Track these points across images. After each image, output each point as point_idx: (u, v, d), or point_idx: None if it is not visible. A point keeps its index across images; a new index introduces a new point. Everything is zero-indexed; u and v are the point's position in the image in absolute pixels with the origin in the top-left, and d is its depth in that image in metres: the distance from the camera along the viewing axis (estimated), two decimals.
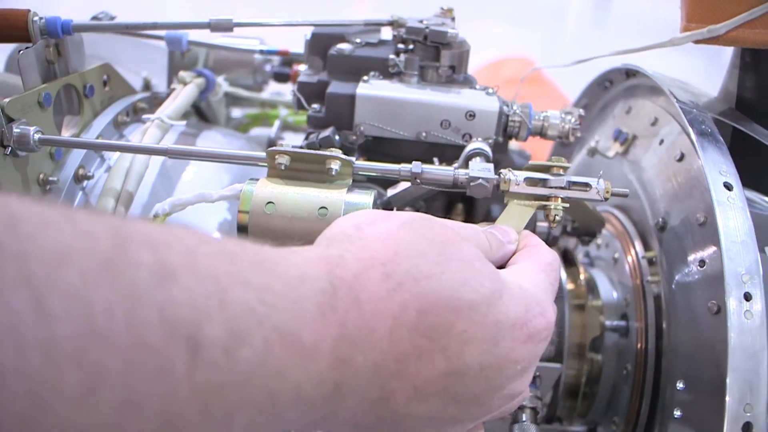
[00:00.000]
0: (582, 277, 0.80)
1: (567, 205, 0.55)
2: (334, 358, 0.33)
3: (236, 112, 1.01)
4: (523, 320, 0.40)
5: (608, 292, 0.80)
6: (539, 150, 1.25)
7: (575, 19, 3.76)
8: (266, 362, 0.29)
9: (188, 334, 0.26)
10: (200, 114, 0.93)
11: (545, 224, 0.71)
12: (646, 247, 0.75)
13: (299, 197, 0.53)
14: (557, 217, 0.55)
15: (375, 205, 0.55)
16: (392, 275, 0.36)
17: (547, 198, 0.55)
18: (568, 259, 0.83)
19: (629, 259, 0.77)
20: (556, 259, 0.49)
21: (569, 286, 0.80)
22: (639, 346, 0.72)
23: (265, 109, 0.98)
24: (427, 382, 0.37)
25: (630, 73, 0.81)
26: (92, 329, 0.24)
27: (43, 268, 0.23)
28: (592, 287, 0.81)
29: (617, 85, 0.87)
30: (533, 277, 0.45)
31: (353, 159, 0.55)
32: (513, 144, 0.81)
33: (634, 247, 0.77)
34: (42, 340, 0.23)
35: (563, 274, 0.80)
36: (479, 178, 0.55)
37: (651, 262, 0.73)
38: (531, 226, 0.67)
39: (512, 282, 0.42)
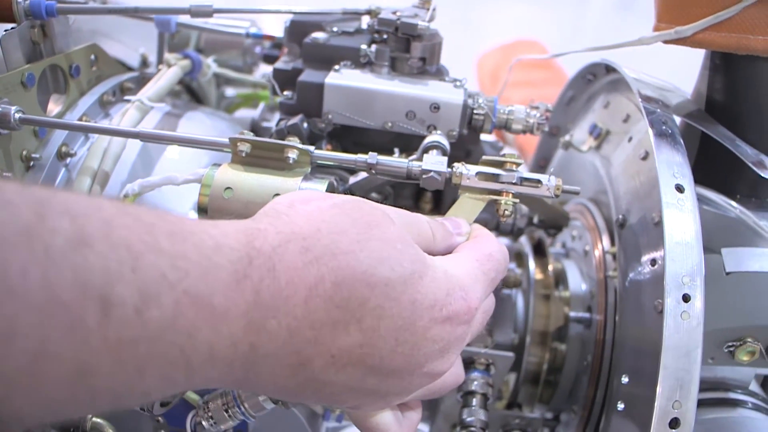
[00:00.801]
0: (551, 267, 0.82)
1: (517, 200, 0.57)
2: (248, 321, 0.36)
3: (230, 92, 1.03)
4: (443, 302, 0.42)
5: (577, 283, 0.81)
6: (531, 142, 1.26)
7: (599, 3, 3.69)
8: (176, 322, 0.33)
9: (100, 294, 0.30)
10: (192, 93, 0.95)
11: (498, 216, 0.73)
12: (612, 242, 0.76)
13: (256, 183, 0.56)
14: (506, 212, 0.56)
15: (330, 192, 0.57)
16: (311, 249, 0.38)
17: (498, 192, 0.57)
18: (540, 250, 0.85)
19: (596, 252, 0.78)
20: (499, 251, 0.50)
21: (538, 276, 0.82)
22: (597, 338, 0.74)
23: (257, 89, 1.01)
24: (343, 351, 0.39)
25: (609, 68, 0.82)
26: (7, 286, 0.27)
27: None
28: (561, 278, 0.82)
29: (600, 79, 0.87)
30: (464, 264, 0.47)
31: (311, 148, 0.57)
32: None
33: (602, 242, 0.78)
34: None
35: (532, 264, 0.82)
36: (431, 171, 0.57)
37: (614, 257, 0.74)
38: (495, 218, 0.69)
39: (438, 266, 0.44)
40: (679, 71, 0.79)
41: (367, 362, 0.40)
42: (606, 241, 0.78)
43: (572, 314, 0.78)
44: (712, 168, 0.72)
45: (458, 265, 0.46)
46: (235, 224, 0.39)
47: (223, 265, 0.35)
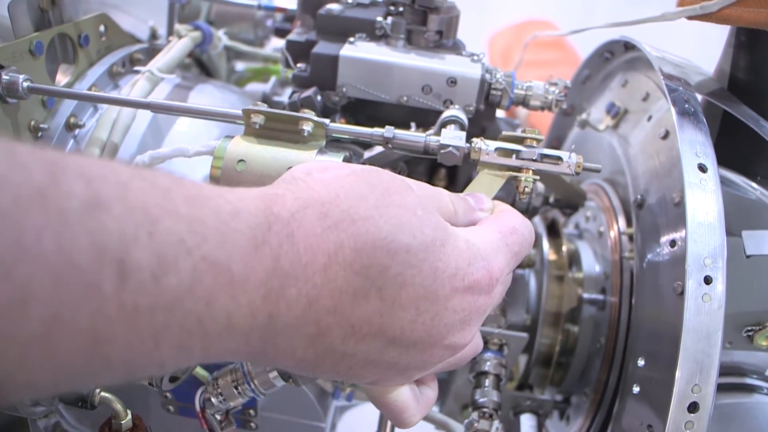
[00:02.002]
0: (564, 248, 0.81)
1: (537, 177, 0.55)
2: (267, 290, 0.34)
3: (240, 66, 1.02)
4: (465, 271, 0.41)
5: (591, 265, 0.80)
6: (542, 121, 1.24)
7: None
8: (194, 289, 0.31)
9: (117, 258, 0.28)
10: (202, 66, 0.94)
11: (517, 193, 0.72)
12: (629, 223, 0.75)
13: (270, 156, 0.55)
14: (527, 189, 0.55)
15: None
16: (329, 215, 0.37)
17: (518, 169, 0.55)
18: (553, 230, 0.83)
19: (612, 234, 0.77)
20: (524, 225, 0.49)
21: (551, 256, 0.81)
22: (612, 320, 0.73)
23: (268, 63, 0.99)
24: (362, 321, 0.38)
25: (628, 45, 0.80)
26: (21, 247, 0.26)
27: None
28: (575, 259, 0.81)
29: (618, 57, 0.85)
30: (487, 235, 0.45)
31: (326, 121, 0.56)
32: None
33: (617, 223, 0.77)
34: None
35: (545, 244, 0.81)
36: (449, 145, 0.55)
37: (630, 238, 0.73)
38: (511, 196, 0.68)
39: (459, 235, 0.43)
40: (693, 52, 0.77)
41: (387, 333, 0.39)
42: (622, 221, 0.76)
43: (586, 296, 0.77)
44: (733, 148, 0.70)
45: (480, 236, 0.45)
46: (253, 190, 0.37)
47: (242, 230, 0.34)
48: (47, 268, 0.26)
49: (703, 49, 0.78)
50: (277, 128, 0.56)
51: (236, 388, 0.58)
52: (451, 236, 0.41)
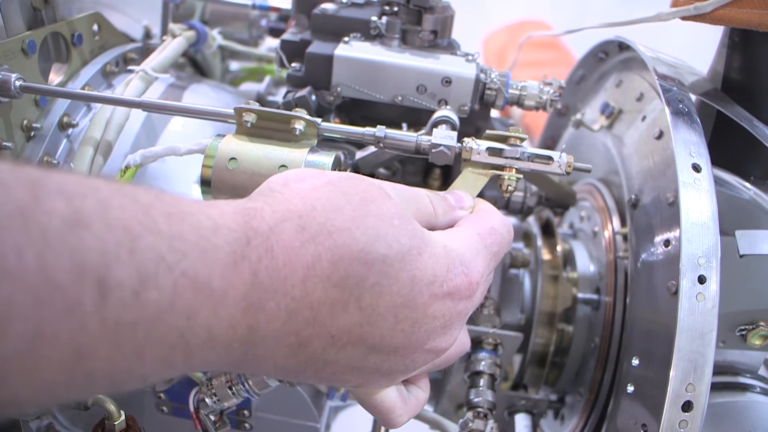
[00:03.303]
0: (559, 248, 0.81)
1: (521, 176, 0.55)
2: (246, 304, 0.35)
3: (234, 65, 1.02)
4: (443, 278, 0.41)
5: (585, 264, 0.80)
6: (537, 121, 1.24)
7: None
8: (175, 304, 0.32)
9: (97, 276, 0.29)
10: (196, 66, 0.93)
11: (520, 194, 0.72)
12: (623, 222, 0.75)
13: (261, 155, 0.55)
14: (510, 187, 0.55)
15: (336, 166, 0.56)
16: (307, 227, 0.38)
17: (501, 168, 0.55)
18: (548, 230, 0.83)
19: (606, 233, 0.77)
20: (502, 224, 0.49)
21: (546, 256, 0.81)
22: (606, 320, 0.73)
23: (262, 63, 0.99)
24: (342, 331, 0.39)
25: (623, 45, 0.80)
26: (2, 268, 0.26)
27: None
28: (569, 259, 0.81)
29: (612, 57, 0.85)
30: (465, 239, 0.45)
31: (318, 120, 0.56)
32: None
33: (612, 222, 0.77)
34: None
35: (540, 244, 0.81)
36: (441, 145, 0.55)
37: (625, 238, 0.73)
38: (504, 198, 0.68)
39: (438, 242, 0.43)
40: (686, 52, 0.77)
41: (367, 341, 0.40)
42: (616, 221, 0.76)
43: (580, 295, 0.77)
44: (726, 148, 0.70)
45: (458, 239, 0.45)
46: (232, 204, 0.38)
47: (221, 246, 0.34)
48: (28, 287, 0.27)
49: (696, 49, 0.79)
50: (268, 127, 0.56)
51: (230, 388, 0.58)
52: (429, 244, 0.42)
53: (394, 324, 0.40)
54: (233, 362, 0.37)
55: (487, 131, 0.56)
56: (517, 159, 0.54)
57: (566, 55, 1.70)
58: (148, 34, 0.90)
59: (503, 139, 0.55)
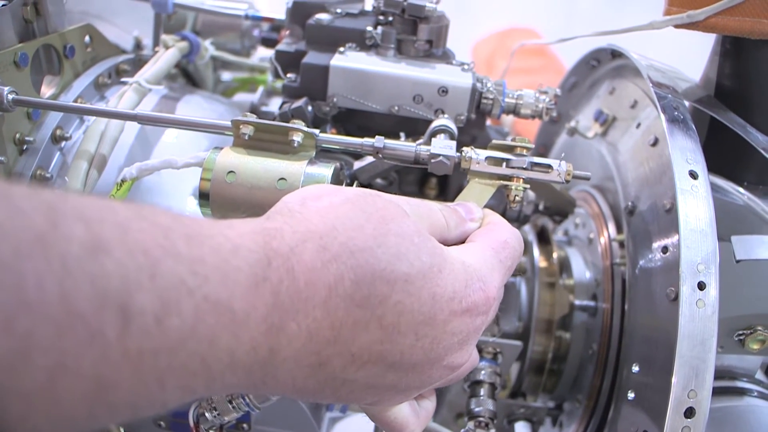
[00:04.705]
0: (555, 255, 0.81)
1: (528, 186, 0.55)
2: (268, 326, 0.34)
3: (226, 76, 1.01)
4: (462, 294, 0.41)
5: (581, 271, 0.80)
6: (528, 129, 1.24)
7: None
8: (197, 330, 0.31)
9: (119, 303, 0.28)
10: (188, 77, 0.93)
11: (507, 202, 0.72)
12: (619, 229, 0.75)
13: (260, 167, 0.54)
14: (517, 198, 0.55)
15: (336, 178, 0.55)
16: (328, 248, 0.37)
17: (508, 178, 0.55)
18: (543, 237, 0.84)
19: (602, 240, 0.77)
20: (514, 237, 0.49)
21: (542, 263, 0.81)
22: (604, 326, 0.73)
23: (254, 73, 0.98)
24: (363, 349, 0.38)
25: (615, 53, 0.81)
26: (23, 299, 0.25)
27: None
28: (565, 266, 0.81)
29: (604, 65, 0.86)
30: (480, 254, 0.46)
31: (316, 131, 0.55)
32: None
33: (607, 229, 0.77)
34: None
35: (536, 252, 0.81)
36: (440, 155, 0.55)
37: (621, 244, 0.73)
38: (502, 204, 0.68)
39: (455, 258, 0.43)
40: (671, 60, 0.78)
41: (387, 359, 0.39)
42: (612, 228, 0.77)
43: (577, 302, 0.77)
44: (720, 155, 0.71)
45: (474, 255, 0.45)
46: (251, 224, 0.38)
47: (242, 267, 0.34)
48: (50, 318, 0.26)
49: (680, 56, 0.79)
50: (266, 139, 0.56)
51: (230, 402, 0.57)
52: (448, 260, 0.42)
53: (414, 341, 0.40)
54: (253, 385, 0.37)
55: (493, 141, 0.56)
56: (524, 169, 0.54)
57: (554, 62, 1.71)
58: (138, 45, 0.90)
59: (509, 149, 0.55)
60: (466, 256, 0.44)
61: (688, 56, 0.87)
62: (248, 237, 0.36)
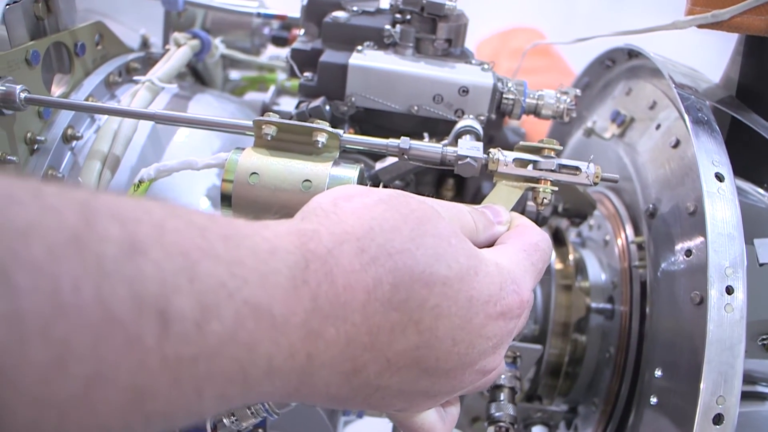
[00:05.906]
0: (571, 257, 0.80)
1: (556, 188, 0.55)
2: (306, 331, 0.33)
3: (234, 75, 1.00)
4: (497, 297, 0.40)
5: (597, 273, 0.80)
6: (537, 129, 1.23)
7: None
8: (237, 335, 0.30)
9: (158, 308, 0.27)
10: (197, 75, 0.92)
11: (534, 205, 0.71)
12: (637, 231, 0.74)
13: (284, 169, 0.53)
14: (545, 200, 0.54)
15: (361, 179, 0.54)
16: (366, 250, 0.36)
17: (536, 180, 0.54)
18: (558, 239, 0.83)
19: (619, 242, 0.77)
20: (544, 240, 0.48)
21: (558, 265, 0.80)
22: (622, 329, 0.72)
23: (263, 72, 0.97)
24: (399, 355, 0.37)
25: (632, 53, 0.80)
26: (59, 304, 0.24)
27: (7, 243, 0.23)
28: (581, 268, 0.80)
29: (619, 65, 0.85)
30: (513, 256, 0.45)
31: (341, 132, 0.54)
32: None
33: (625, 231, 0.76)
34: (7, 315, 0.23)
35: (552, 254, 0.80)
36: (467, 156, 0.54)
37: (640, 247, 0.73)
38: (520, 205, 0.67)
39: (489, 260, 0.42)
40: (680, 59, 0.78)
41: (421, 364, 0.38)
42: (629, 230, 0.76)
43: (593, 305, 0.77)
44: (741, 156, 0.70)
45: (507, 257, 0.44)
46: (285, 225, 0.36)
47: (281, 270, 0.32)
48: (87, 323, 0.24)
49: (680, 56, 0.79)
50: (288, 139, 0.54)
51: (249, 408, 0.56)
52: (483, 262, 0.41)
53: (450, 346, 0.39)
54: (287, 393, 0.35)
55: (521, 142, 0.55)
56: (552, 171, 0.53)
57: (558, 62, 1.71)
58: (145, 43, 0.88)
59: (537, 150, 0.54)
60: (500, 257, 0.44)
61: (688, 56, 0.87)
62: (284, 238, 0.34)
